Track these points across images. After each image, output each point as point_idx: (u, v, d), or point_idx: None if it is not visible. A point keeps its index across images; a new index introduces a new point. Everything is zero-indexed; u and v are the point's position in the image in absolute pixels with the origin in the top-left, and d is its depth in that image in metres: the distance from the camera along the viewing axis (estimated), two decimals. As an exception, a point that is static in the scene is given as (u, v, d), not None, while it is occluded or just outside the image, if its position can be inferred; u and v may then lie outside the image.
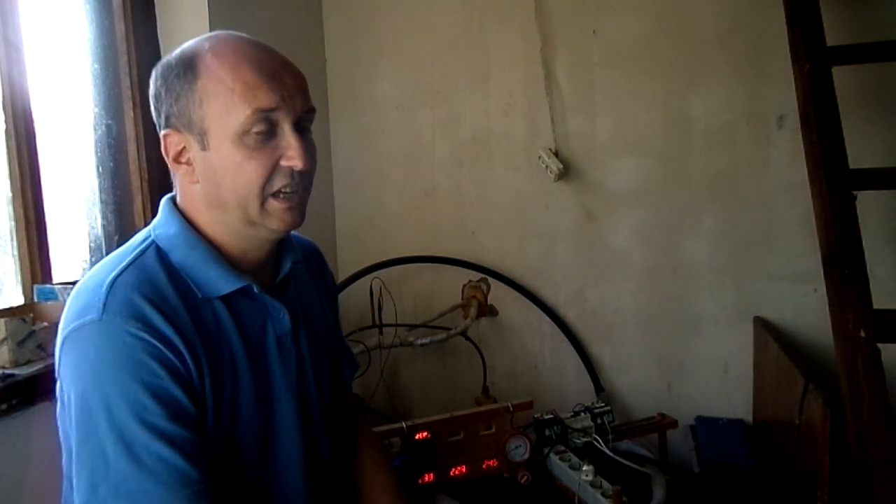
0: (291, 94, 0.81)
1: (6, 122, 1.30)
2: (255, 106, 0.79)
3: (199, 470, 0.76)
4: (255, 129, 0.79)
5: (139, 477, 0.73)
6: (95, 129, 1.57)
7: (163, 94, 0.83)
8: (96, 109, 1.58)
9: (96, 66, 1.57)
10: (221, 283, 0.84)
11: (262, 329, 0.89)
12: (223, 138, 0.80)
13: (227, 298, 0.85)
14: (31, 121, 1.34)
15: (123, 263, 0.81)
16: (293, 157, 0.81)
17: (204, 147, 0.81)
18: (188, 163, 0.84)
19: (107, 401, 0.74)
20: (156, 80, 0.84)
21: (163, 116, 0.84)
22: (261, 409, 0.87)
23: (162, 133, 0.84)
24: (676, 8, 1.95)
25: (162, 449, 0.74)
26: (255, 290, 0.87)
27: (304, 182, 0.84)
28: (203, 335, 0.81)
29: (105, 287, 0.78)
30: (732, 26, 1.91)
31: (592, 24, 2.01)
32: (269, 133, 0.80)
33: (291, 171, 0.82)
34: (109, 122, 1.59)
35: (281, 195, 0.82)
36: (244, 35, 0.85)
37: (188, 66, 0.81)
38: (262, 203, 0.82)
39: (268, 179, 0.81)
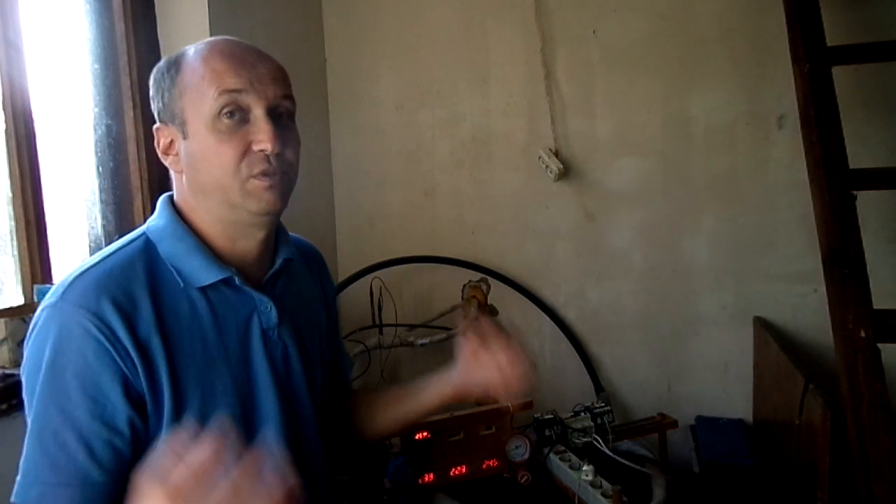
0: (262, 79, 0.84)
1: (6, 122, 1.30)
2: (221, 88, 0.82)
3: (102, 472, 0.76)
4: (223, 112, 0.82)
5: (39, 462, 0.75)
6: (95, 129, 1.58)
7: (154, 93, 0.89)
8: (96, 109, 1.58)
9: (96, 66, 1.57)
10: (203, 273, 0.86)
11: (247, 322, 0.90)
12: (199, 125, 0.83)
13: (209, 289, 0.86)
14: (31, 121, 1.34)
15: (103, 255, 0.84)
16: (262, 141, 0.82)
17: (185, 136, 0.85)
18: (175, 154, 0.88)
19: (37, 382, 0.76)
20: (151, 82, 0.90)
21: (156, 114, 0.90)
22: (241, 402, 0.87)
23: (154, 128, 0.90)
24: (676, 8, 1.95)
25: (69, 439, 0.75)
26: (236, 281, 0.87)
27: (282, 167, 0.85)
28: (168, 329, 0.81)
29: (73, 276, 0.80)
30: (732, 26, 1.91)
31: (592, 24, 2.01)
32: (241, 118, 0.83)
33: (266, 156, 0.83)
34: (109, 122, 1.59)
35: (260, 176, 0.84)
36: (232, 38, 0.89)
37: (172, 65, 0.87)
38: (243, 183, 0.83)
39: (242, 162, 0.83)
